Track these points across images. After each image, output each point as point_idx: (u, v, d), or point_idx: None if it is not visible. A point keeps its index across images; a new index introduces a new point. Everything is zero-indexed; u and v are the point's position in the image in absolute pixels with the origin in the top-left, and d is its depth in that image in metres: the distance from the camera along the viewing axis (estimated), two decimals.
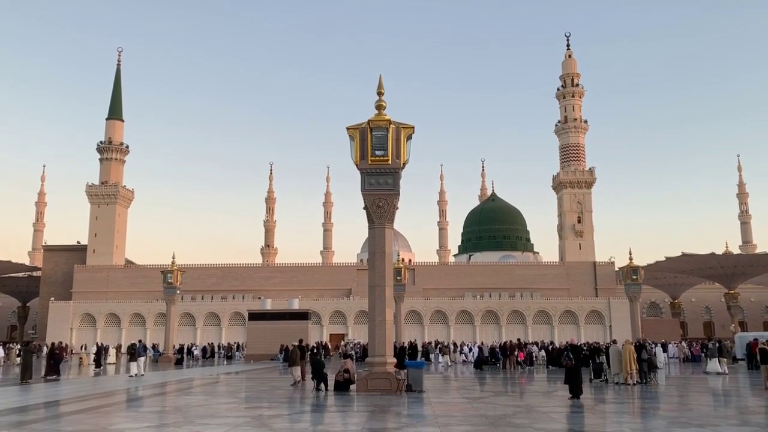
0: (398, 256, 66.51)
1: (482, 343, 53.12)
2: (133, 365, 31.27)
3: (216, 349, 64.02)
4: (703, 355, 44.35)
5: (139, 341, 34.38)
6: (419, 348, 45.63)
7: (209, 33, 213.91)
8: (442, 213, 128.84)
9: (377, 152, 21.62)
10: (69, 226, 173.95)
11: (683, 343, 53.90)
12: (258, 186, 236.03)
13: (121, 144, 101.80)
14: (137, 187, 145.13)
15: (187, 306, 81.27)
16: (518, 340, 47.74)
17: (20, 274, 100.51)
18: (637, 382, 25.23)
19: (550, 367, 40.57)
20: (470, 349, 49.98)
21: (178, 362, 50.30)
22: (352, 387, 21.50)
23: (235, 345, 64.79)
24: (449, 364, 43.28)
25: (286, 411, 16.96)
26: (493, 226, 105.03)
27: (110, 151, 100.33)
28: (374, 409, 16.54)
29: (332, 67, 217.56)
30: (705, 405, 18.16)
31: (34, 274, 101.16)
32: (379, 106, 22.55)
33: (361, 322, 74.62)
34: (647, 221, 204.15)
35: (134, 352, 31.89)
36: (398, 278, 44.58)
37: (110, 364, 47.52)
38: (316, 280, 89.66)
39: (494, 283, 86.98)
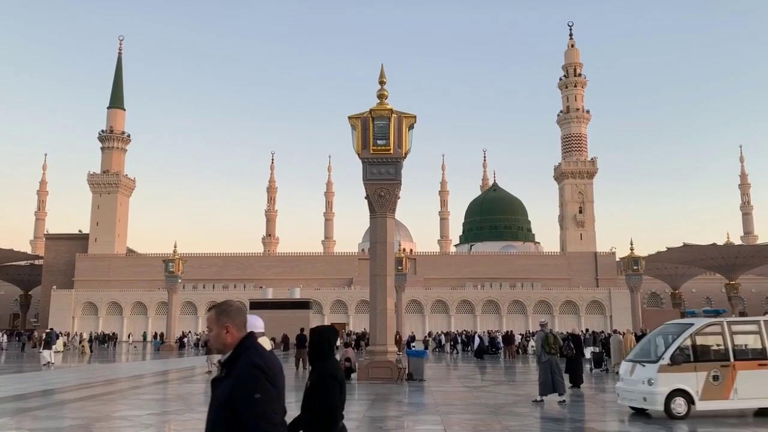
0: (399, 245, 66.58)
1: (483, 332, 53.22)
2: (46, 353, 30.82)
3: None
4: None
5: (51, 329, 34.49)
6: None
7: (211, 21, 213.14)
8: (444, 203, 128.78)
9: (379, 142, 21.60)
10: (71, 214, 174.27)
11: None
12: (259, 175, 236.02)
13: (123, 133, 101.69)
14: (139, 176, 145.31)
15: (189, 295, 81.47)
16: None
17: (22, 263, 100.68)
18: None
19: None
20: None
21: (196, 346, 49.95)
22: (353, 375, 21.61)
23: None
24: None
25: (288, 399, 17.04)
26: (495, 216, 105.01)
27: (111, 139, 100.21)
28: (375, 397, 16.62)
29: (334, 56, 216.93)
30: None
31: (36, 262, 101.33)
32: (381, 96, 22.49)
33: (362, 311, 74.74)
34: (648, 211, 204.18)
35: (50, 339, 31.81)
36: (399, 268, 44.53)
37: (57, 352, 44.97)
38: (318, 270, 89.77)
39: (495, 273, 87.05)
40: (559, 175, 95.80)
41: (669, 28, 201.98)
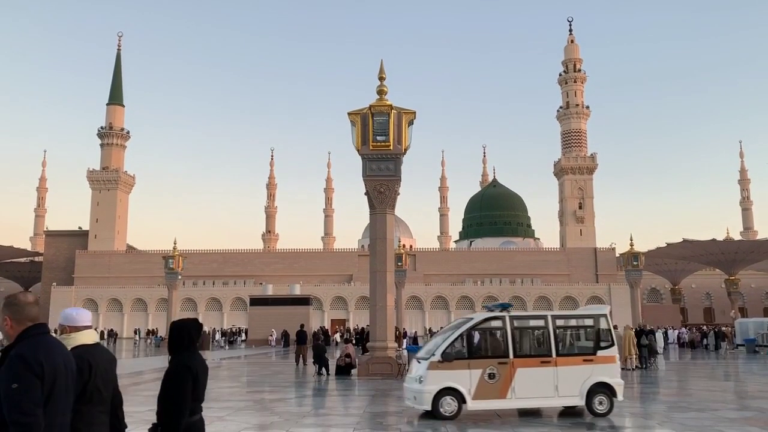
0: (399, 241, 66.58)
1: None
2: None
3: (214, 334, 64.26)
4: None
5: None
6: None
7: (210, 18, 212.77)
8: (443, 199, 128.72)
9: (378, 138, 21.58)
10: (70, 211, 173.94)
11: (683, 330, 54.19)
12: (259, 172, 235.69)
13: (122, 129, 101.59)
14: (138, 172, 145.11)
15: (189, 291, 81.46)
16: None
17: (22, 260, 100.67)
18: (636, 366, 25.40)
19: None
20: None
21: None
22: (353, 371, 21.65)
23: (238, 330, 64.94)
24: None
25: (288, 395, 17.09)
26: (494, 212, 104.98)
27: (111, 136, 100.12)
28: (375, 393, 16.66)
29: (333, 52, 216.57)
30: (704, 390, 18.26)
31: (36, 259, 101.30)
32: (381, 91, 22.47)
33: (362, 307, 74.74)
34: (648, 207, 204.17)
35: None
36: (399, 264, 44.51)
37: None
38: (317, 266, 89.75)
39: (495, 269, 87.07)
40: (559, 171, 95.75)
41: (668, 23, 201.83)
